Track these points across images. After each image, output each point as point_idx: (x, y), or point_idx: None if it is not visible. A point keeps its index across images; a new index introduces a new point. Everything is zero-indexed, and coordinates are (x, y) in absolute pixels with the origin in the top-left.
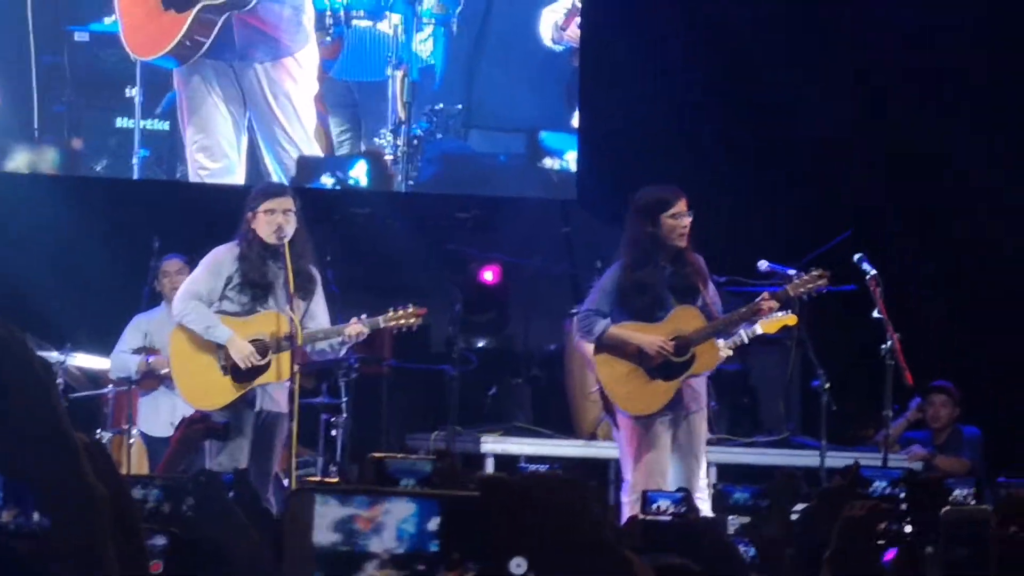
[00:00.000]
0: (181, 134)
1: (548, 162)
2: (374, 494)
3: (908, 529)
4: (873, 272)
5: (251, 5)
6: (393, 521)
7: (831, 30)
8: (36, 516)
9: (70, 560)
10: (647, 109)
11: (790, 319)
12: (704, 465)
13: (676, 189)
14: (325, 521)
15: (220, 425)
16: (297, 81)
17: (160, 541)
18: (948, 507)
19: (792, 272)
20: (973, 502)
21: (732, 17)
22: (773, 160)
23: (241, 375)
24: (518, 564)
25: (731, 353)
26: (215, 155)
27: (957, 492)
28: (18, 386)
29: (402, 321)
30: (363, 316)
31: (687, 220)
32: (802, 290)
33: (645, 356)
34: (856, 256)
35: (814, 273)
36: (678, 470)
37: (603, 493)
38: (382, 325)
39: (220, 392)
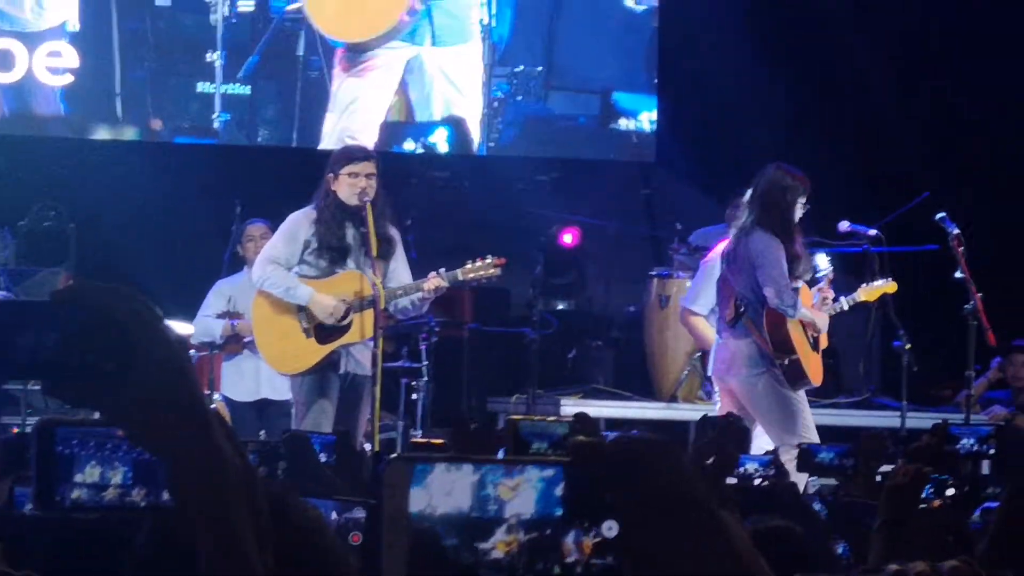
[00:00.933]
0: (259, 97)
1: (623, 123)
2: (505, 463)
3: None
4: (956, 231)
5: None
6: (521, 488)
7: None
8: (165, 495)
9: (206, 533)
10: (726, 70)
11: (890, 287)
12: None
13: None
14: (453, 488)
15: None
16: (473, 64)
17: (359, 514)
18: None
19: (873, 232)
20: None
21: None
22: (853, 120)
23: (324, 336)
24: (609, 527)
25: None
26: (363, 130)
27: None
28: (155, 359)
29: (481, 272)
30: (441, 270)
31: None
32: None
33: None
34: (938, 215)
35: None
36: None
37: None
38: (461, 278)
39: (305, 355)
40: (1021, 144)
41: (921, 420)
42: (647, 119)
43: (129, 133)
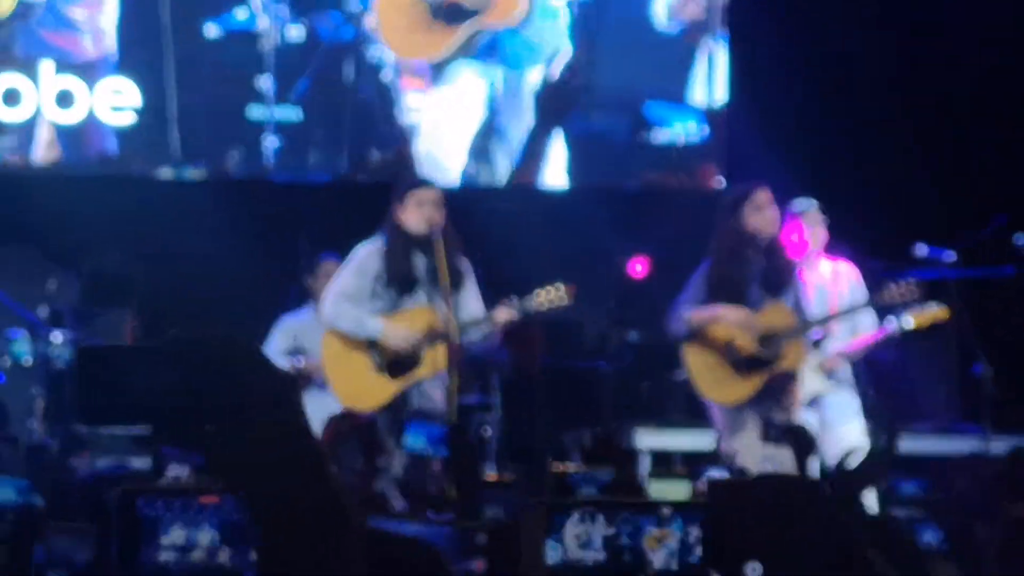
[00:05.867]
0: (309, 120)
1: (660, 134)
2: (628, 508)
3: None
4: None
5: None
6: (666, 538)
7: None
8: (252, 555)
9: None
10: (797, 91)
11: (941, 313)
12: None
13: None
14: (582, 537)
15: (365, 420)
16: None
17: (480, 540)
18: None
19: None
20: None
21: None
22: (930, 142)
23: (396, 372)
24: (753, 568)
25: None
26: (448, 157)
27: None
28: (268, 401)
29: (553, 301)
30: (512, 299)
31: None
32: (892, 300)
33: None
34: (1017, 238)
35: (905, 286)
36: None
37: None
38: (532, 307)
39: (377, 391)
40: None
41: (1005, 446)
42: (684, 136)
43: (191, 167)
